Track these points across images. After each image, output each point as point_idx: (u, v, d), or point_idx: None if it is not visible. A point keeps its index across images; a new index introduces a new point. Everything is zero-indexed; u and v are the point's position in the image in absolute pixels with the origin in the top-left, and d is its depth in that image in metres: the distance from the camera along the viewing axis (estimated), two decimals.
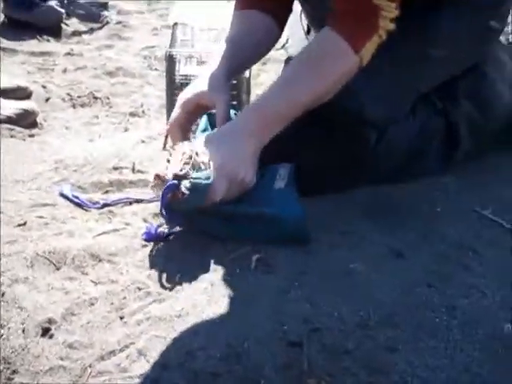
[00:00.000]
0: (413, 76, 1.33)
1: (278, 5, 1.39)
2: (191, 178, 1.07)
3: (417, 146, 1.38)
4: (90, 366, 0.86)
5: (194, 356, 0.85)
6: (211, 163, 1.10)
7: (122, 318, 0.94)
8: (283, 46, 2.28)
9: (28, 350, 0.88)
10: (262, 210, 1.13)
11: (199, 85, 1.28)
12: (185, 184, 1.06)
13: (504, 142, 1.48)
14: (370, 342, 0.91)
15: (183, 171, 1.07)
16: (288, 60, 1.70)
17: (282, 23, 1.41)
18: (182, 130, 1.28)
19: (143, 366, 0.84)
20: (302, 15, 1.64)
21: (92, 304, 0.97)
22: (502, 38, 1.62)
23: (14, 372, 0.86)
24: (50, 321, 0.93)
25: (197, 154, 1.11)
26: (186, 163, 1.08)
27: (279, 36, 1.43)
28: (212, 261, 1.07)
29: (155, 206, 1.26)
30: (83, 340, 0.90)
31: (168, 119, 1.69)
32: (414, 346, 0.91)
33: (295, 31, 1.76)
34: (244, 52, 1.36)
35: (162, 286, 1.01)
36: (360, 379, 0.84)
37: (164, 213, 1.08)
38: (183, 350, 0.87)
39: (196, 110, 1.29)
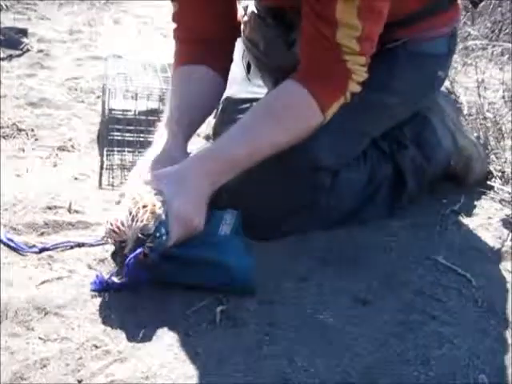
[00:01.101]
0: (367, 122, 1.34)
1: (220, 58, 1.37)
2: (153, 236, 1.00)
3: (367, 191, 1.39)
4: None
5: None
6: (166, 209, 1.04)
7: (80, 381, 0.83)
8: None
9: None
10: (208, 256, 1.08)
11: (158, 158, 1.19)
12: (148, 244, 0.99)
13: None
14: None
15: (146, 231, 0.99)
16: (227, 101, 1.65)
17: (226, 75, 1.39)
18: None
19: None
20: (244, 54, 1.60)
21: (44, 366, 0.85)
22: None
23: None
24: None
25: (151, 199, 1.03)
26: (146, 218, 1.00)
27: (225, 88, 1.41)
28: (173, 314, 0.98)
29: (99, 251, 1.16)
30: None
31: (101, 155, 1.60)
32: None
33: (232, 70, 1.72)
34: (197, 111, 1.32)
35: (121, 343, 0.91)
36: None
37: (126, 276, 1.00)
38: None
39: None
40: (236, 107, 1.60)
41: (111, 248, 1.14)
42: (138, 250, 0.99)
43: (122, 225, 1.01)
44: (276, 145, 1.18)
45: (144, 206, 1.02)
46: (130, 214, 1.01)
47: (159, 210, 1.02)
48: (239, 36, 1.43)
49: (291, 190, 1.27)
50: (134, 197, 1.05)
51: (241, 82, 1.64)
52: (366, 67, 1.19)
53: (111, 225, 1.02)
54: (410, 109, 1.42)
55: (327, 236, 1.30)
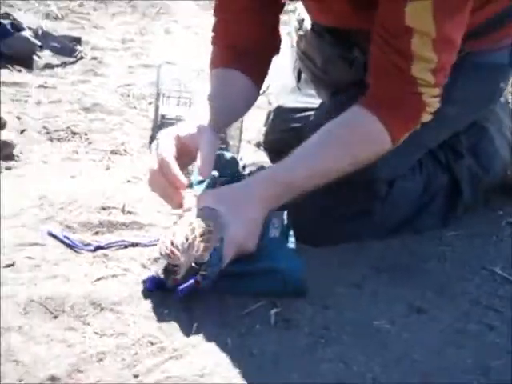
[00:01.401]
0: (426, 134, 1.30)
1: (256, 68, 1.34)
2: (207, 265, 0.98)
3: (422, 200, 1.37)
4: None
5: None
6: (221, 235, 1.02)
7: (136, 376, 0.83)
8: (264, 93, 2.24)
9: None
10: (259, 266, 1.07)
11: (183, 126, 1.18)
12: (202, 273, 0.98)
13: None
14: None
15: (201, 260, 0.98)
16: (278, 110, 1.65)
17: (259, 87, 1.37)
18: (167, 170, 1.11)
19: None
20: (296, 63, 1.60)
21: (100, 359, 0.85)
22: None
23: None
24: (54, 378, 0.81)
25: (208, 227, 1.01)
26: (202, 248, 0.99)
27: (256, 99, 1.38)
28: (227, 314, 0.98)
29: (154, 251, 1.16)
30: None
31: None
32: None
33: (276, 78, 1.72)
34: (226, 110, 1.28)
35: (177, 340, 0.90)
36: None
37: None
38: None
39: (179, 151, 1.14)
40: (288, 116, 1.60)
41: None
42: (191, 281, 0.97)
43: (178, 249, 0.98)
44: (340, 171, 1.16)
45: (201, 235, 0.99)
46: (187, 240, 0.98)
47: (215, 241, 1.00)
48: (277, 53, 1.39)
49: (346, 198, 1.26)
50: (191, 222, 1.02)
51: (291, 92, 1.64)
52: (440, 98, 1.17)
53: (166, 248, 0.99)
54: (469, 119, 1.40)
55: (381, 244, 1.28)
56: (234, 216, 1.05)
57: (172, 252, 0.98)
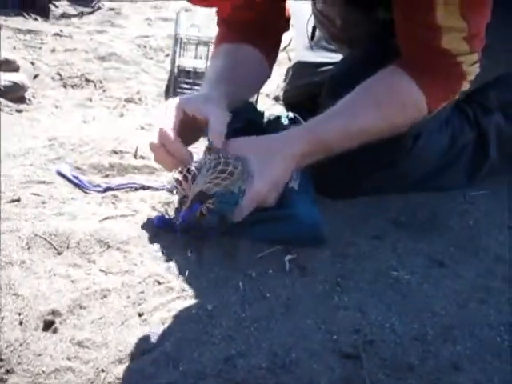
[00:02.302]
0: None
1: (270, 44, 1.27)
2: (217, 200, 0.93)
3: (448, 156, 1.31)
4: (103, 371, 0.70)
5: (233, 364, 0.71)
6: (245, 180, 0.97)
7: (140, 314, 0.79)
8: (285, 48, 2.17)
9: (27, 345, 0.73)
10: (277, 213, 1.02)
11: (192, 97, 1.10)
12: (207, 204, 0.93)
13: None
14: (433, 358, 0.78)
15: (208, 191, 0.93)
16: (299, 64, 1.58)
17: (271, 64, 1.29)
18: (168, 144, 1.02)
19: (172, 374, 0.69)
20: (310, 21, 1.53)
21: (104, 296, 0.81)
22: None
23: (9, 372, 0.70)
24: (54, 313, 0.77)
25: (230, 164, 0.96)
26: (215, 178, 0.94)
27: (268, 77, 1.31)
28: (240, 258, 0.93)
29: (165, 194, 1.12)
30: (96, 338, 0.74)
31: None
32: (479, 366, 0.79)
33: (299, 34, 1.65)
34: (239, 82, 1.18)
35: (185, 281, 0.86)
36: None
37: (178, 229, 0.95)
38: (220, 356, 0.72)
39: (187, 124, 1.06)
40: (307, 71, 1.54)
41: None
42: (196, 207, 0.93)
43: (188, 179, 0.94)
44: (374, 134, 1.10)
45: (219, 172, 0.94)
46: (207, 169, 0.94)
47: (234, 182, 0.95)
48: (287, 30, 1.32)
49: (370, 149, 1.19)
50: (218, 154, 0.97)
51: (307, 48, 1.58)
52: (479, 62, 1.10)
53: (180, 174, 0.95)
54: (500, 68, 1.31)
55: (402, 198, 1.23)
56: (263, 168, 1.00)
57: (182, 182, 0.93)
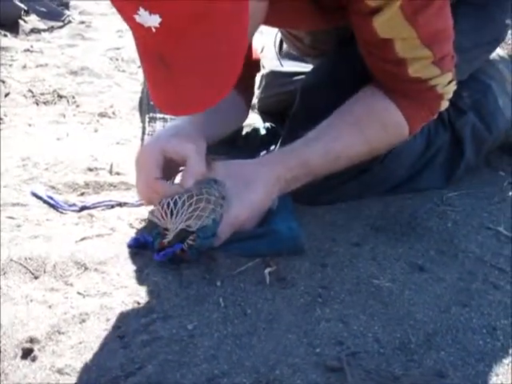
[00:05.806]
0: None
1: (245, 84, 1.25)
2: (197, 236, 0.92)
3: (423, 158, 1.31)
4: None
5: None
6: (223, 207, 0.96)
7: (121, 337, 0.78)
8: None
9: (6, 376, 0.71)
10: (257, 229, 1.02)
11: (171, 135, 1.03)
12: (189, 242, 0.91)
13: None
14: (417, 367, 0.78)
15: (189, 228, 0.91)
16: (272, 74, 1.58)
17: (248, 103, 1.30)
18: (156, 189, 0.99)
19: None
20: (278, 35, 1.53)
21: (83, 320, 0.80)
22: (503, 52, 1.56)
23: None
24: (32, 340, 0.76)
25: (208, 196, 0.94)
26: (194, 210, 0.92)
27: (246, 117, 1.32)
28: (218, 274, 0.92)
29: (141, 211, 1.11)
30: (76, 364, 0.73)
31: (143, 121, 1.55)
32: (463, 371, 0.79)
33: (270, 44, 1.65)
34: (216, 123, 1.15)
35: (165, 301, 0.85)
36: None
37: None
38: (202, 377, 0.71)
39: (167, 160, 1.01)
40: (283, 80, 1.53)
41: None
42: (176, 248, 0.91)
43: (167, 213, 0.92)
44: (355, 156, 1.11)
45: (197, 203, 0.92)
46: (183, 204, 0.92)
47: (212, 213, 0.93)
48: (259, 71, 1.34)
49: None
50: (191, 189, 0.95)
51: (283, 56, 1.57)
52: (455, 79, 1.10)
53: (158, 209, 0.93)
54: (470, 66, 1.31)
55: (380, 203, 1.23)
56: (240, 194, 0.99)
57: (161, 215, 0.92)
